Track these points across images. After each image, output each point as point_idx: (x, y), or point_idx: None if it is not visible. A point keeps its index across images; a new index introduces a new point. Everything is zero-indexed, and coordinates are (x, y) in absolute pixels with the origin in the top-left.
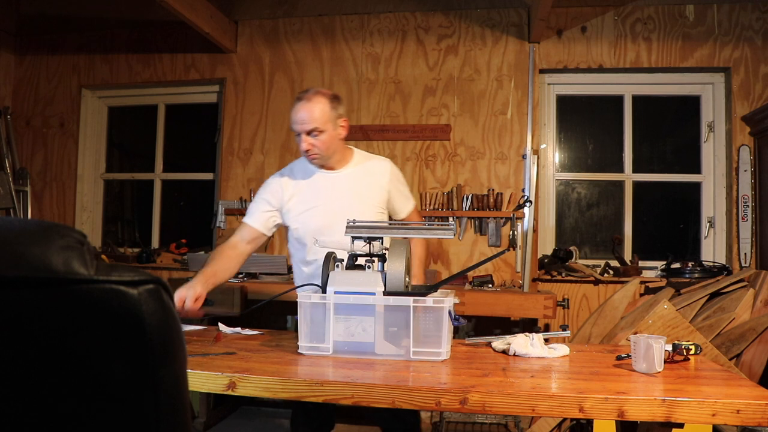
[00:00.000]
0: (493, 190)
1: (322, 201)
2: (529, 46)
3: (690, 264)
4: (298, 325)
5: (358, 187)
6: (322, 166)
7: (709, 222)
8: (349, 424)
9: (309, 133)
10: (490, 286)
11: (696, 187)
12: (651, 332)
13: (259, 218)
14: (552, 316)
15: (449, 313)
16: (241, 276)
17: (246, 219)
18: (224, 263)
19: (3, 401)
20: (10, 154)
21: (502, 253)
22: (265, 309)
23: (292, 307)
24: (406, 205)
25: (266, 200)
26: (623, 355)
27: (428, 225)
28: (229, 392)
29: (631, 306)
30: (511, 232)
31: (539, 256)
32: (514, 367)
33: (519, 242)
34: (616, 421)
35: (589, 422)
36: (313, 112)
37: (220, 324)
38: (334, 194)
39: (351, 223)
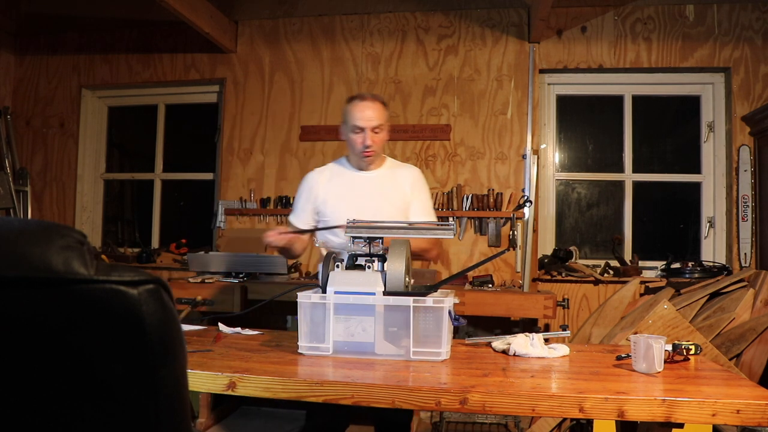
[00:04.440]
0: (493, 190)
1: (352, 196)
2: (529, 46)
3: (690, 264)
4: (298, 325)
5: (383, 189)
6: (359, 168)
7: (709, 222)
8: (350, 424)
9: (373, 129)
10: (490, 286)
11: (696, 187)
12: (651, 332)
13: (304, 218)
14: (552, 316)
15: (449, 313)
16: (241, 276)
17: (292, 219)
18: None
19: (3, 401)
20: (10, 154)
21: (502, 253)
22: (265, 309)
23: (292, 307)
24: (421, 219)
25: (306, 198)
26: (623, 355)
27: (428, 225)
28: (229, 392)
29: (631, 306)
30: (511, 232)
31: (539, 256)
32: (514, 367)
33: (519, 242)
34: (616, 421)
35: (589, 422)
36: (379, 111)
37: (220, 324)
38: (363, 192)
39: (351, 222)
